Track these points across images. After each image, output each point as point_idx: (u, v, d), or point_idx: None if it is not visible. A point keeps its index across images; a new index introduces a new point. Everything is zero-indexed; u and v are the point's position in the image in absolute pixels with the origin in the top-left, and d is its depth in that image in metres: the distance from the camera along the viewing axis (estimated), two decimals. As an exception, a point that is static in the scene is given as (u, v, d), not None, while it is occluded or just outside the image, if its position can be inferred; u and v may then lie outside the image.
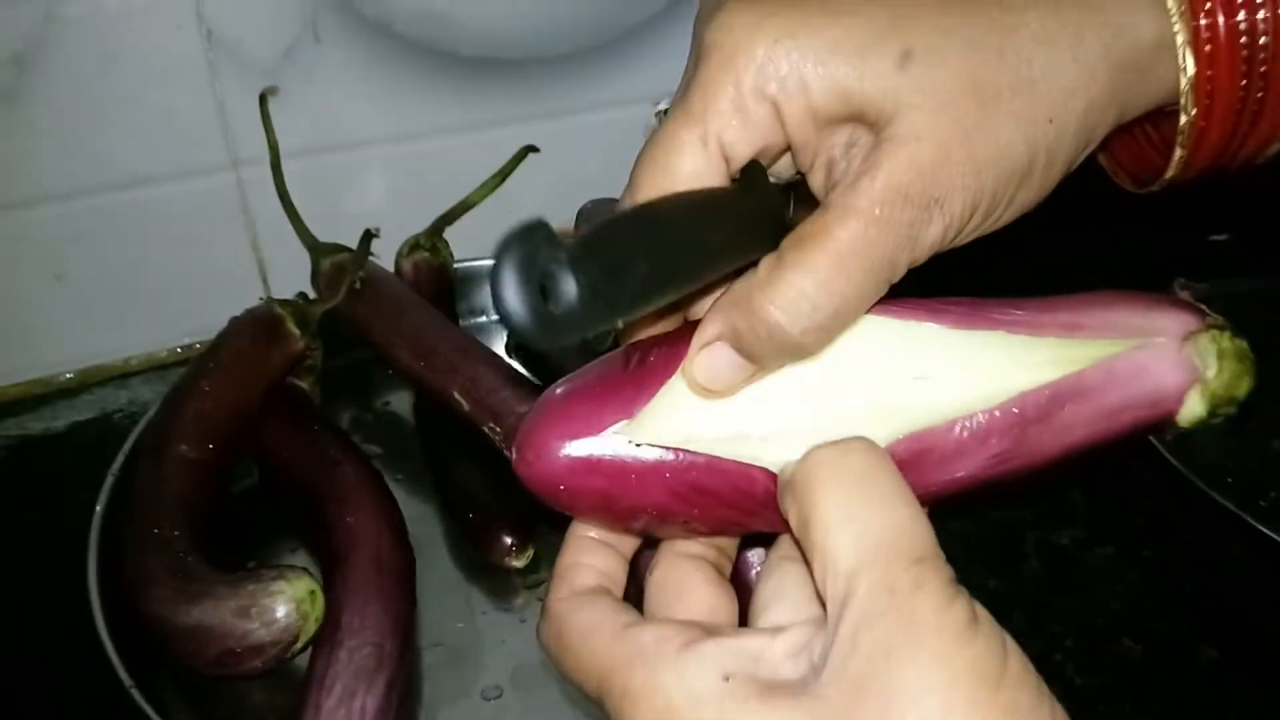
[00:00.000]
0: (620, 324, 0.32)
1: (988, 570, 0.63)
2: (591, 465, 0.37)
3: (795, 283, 0.35)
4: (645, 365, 0.38)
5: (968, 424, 0.37)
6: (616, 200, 0.82)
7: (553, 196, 0.82)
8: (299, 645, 0.53)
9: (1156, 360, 0.37)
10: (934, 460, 0.37)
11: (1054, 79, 0.37)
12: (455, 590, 0.63)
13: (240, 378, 0.65)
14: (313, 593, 0.54)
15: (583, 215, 0.78)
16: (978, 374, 0.37)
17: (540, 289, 0.27)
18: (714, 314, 0.37)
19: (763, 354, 0.36)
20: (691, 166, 0.37)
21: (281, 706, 0.55)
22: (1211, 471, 0.64)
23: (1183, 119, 0.40)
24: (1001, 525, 0.66)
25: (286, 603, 0.53)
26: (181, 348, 0.80)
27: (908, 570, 0.31)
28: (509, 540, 0.62)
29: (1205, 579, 0.63)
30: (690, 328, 0.38)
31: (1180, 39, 0.38)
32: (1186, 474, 0.63)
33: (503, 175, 0.79)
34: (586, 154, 0.83)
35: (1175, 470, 0.63)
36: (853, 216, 0.35)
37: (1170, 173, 0.43)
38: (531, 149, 0.80)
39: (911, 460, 0.37)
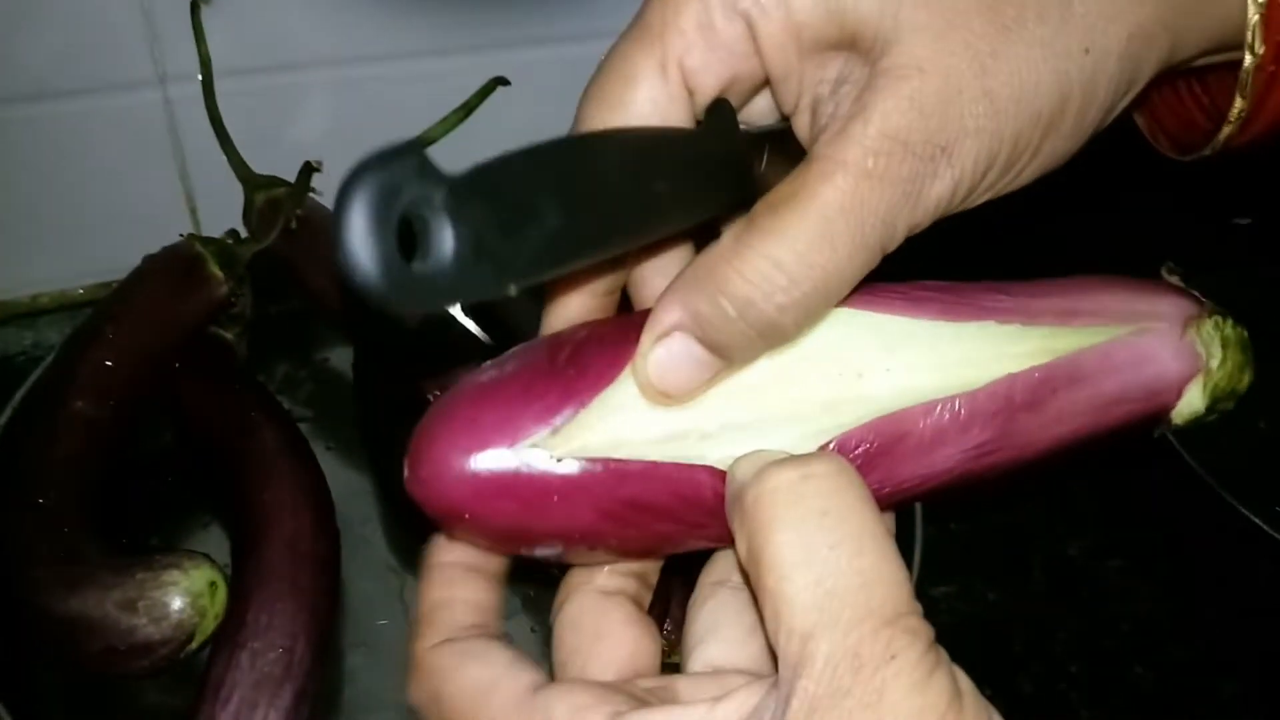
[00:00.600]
0: (513, 292, 0.24)
1: (987, 582, 0.57)
2: (502, 485, 0.31)
3: (769, 252, 0.28)
4: (579, 363, 0.31)
5: (948, 407, 0.32)
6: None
7: (524, 136, 0.74)
8: (194, 645, 0.46)
9: (1157, 347, 0.34)
10: (909, 449, 0.32)
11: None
12: (386, 580, 0.56)
13: (151, 325, 0.58)
14: (213, 585, 0.46)
15: (553, 159, 0.71)
16: (960, 361, 0.33)
17: (400, 237, 0.20)
18: (669, 297, 0.30)
19: (730, 343, 0.29)
20: (647, 98, 0.31)
21: (178, 709, 0.48)
22: (1238, 481, 0.58)
23: (1247, 59, 0.33)
24: (1004, 531, 0.60)
25: (180, 596, 0.46)
26: (99, 286, 0.72)
27: (877, 634, 0.25)
28: (449, 525, 0.55)
29: (1228, 600, 0.58)
30: (639, 317, 0.31)
31: None
32: (1211, 483, 0.57)
33: (467, 109, 0.71)
34: (565, 90, 0.74)
35: (1199, 478, 0.57)
36: (840, 171, 0.28)
37: (1226, 131, 0.36)
38: (502, 81, 0.72)
39: (884, 448, 0.32)
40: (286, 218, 0.62)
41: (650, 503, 0.31)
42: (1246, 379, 0.35)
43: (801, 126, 0.33)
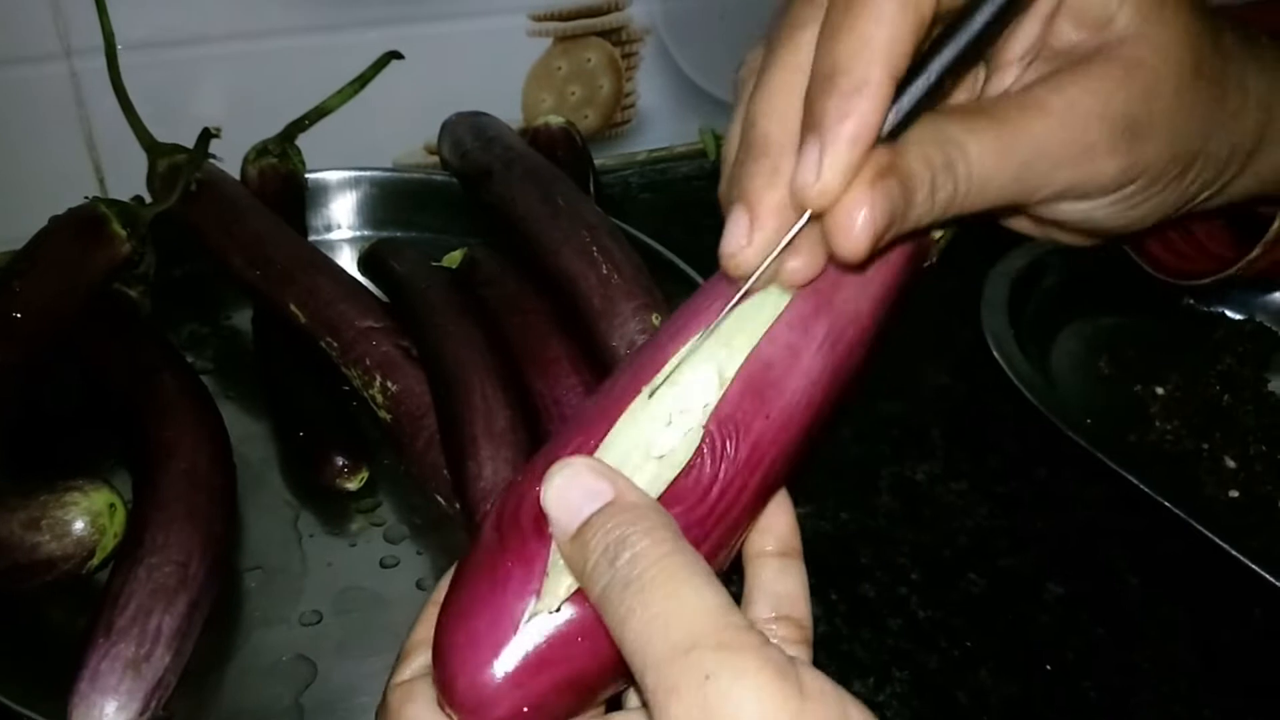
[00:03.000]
0: None
1: (840, 504, 0.62)
2: (534, 663, 0.31)
3: (965, 140, 0.33)
4: (518, 530, 0.33)
5: (781, 324, 0.36)
6: (482, 114, 0.79)
7: (416, 107, 0.78)
8: (95, 561, 0.50)
9: None
10: (781, 373, 0.35)
11: (1238, 94, 0.37)
12: (282, 513, 0.59)
13: (57, 280, 0.61)
14: (112, 506, 0.50)
15: (447, 129, 0.75)
16: (760, 301, 0.36)
17: None
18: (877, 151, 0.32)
19: (922, 199, 0.33)
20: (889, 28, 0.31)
21: (79, 629, 0.51)
22: (1071, 413, 0.63)
23: None
24: (858, 460, 0.65)
25: (81, 515, 0.49)
26: (9, 253, 0.75)
27: (686, 661, 0.27)
28: (340, 461, 0.59)
29: (1057, 517, 0.62)
30: (539, 461, 0.34)
31: None
32: (1046, 414, 0.62)
33: (362, 81, 0.75)
34: (455, 64, 0.79)
35: (1036, 411, 0.62)
36: (1041, 112, 0.34)
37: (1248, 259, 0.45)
38: (395, 55, 0.76)
39: (762, 385, 0.35)
40: (186, 180, 0.65)
41: None
42: None
43: (1004, 78, 0.38)
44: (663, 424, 0.34)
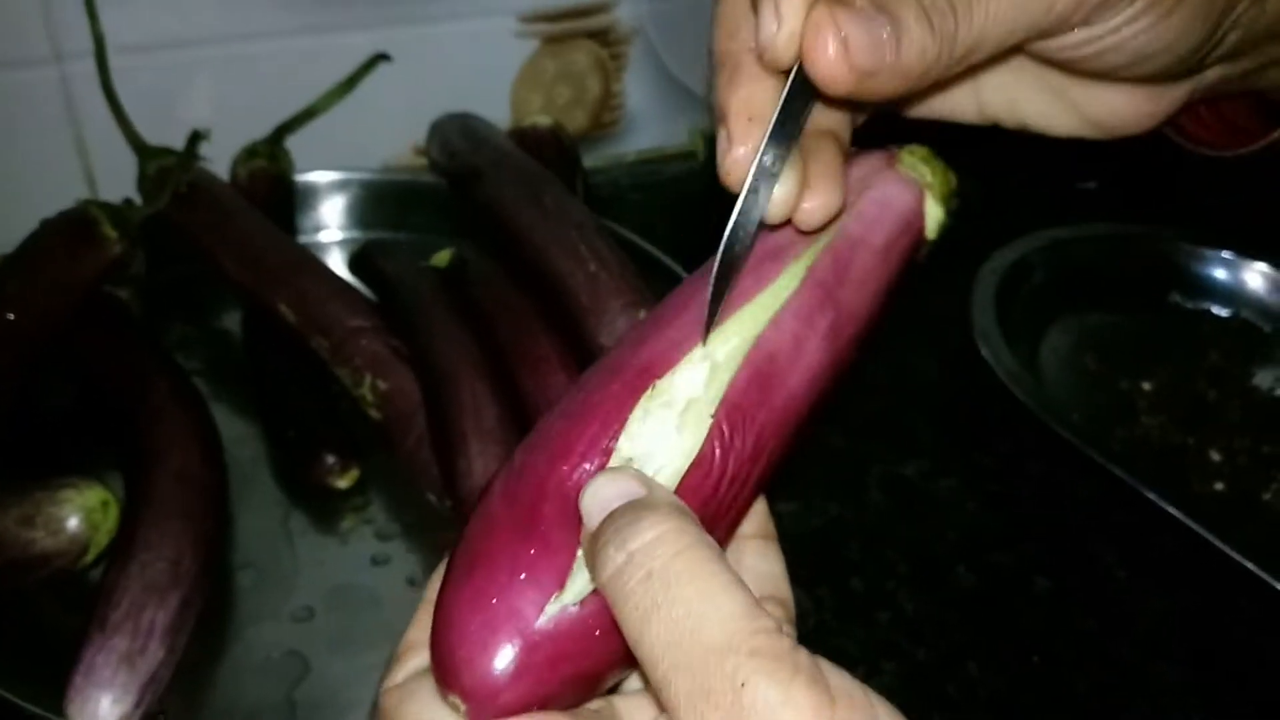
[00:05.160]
0: None
1: (829, 499, 0.62)
2: (551, 656, 0.31)
3: None
4: (539, 519, 0.32)
5: (786, 313, 0.36)
6: (471, 115, 0.80)
7: (405, 109, 0.79)
8: (89, 557, 0.50)
9: (888, 189, 0.39)
10: (785, 364, 0.35)
11: None
12: (274, 512, 0.59)
13: (49, 282, 0.61)
14: (105, 503, 0.50)
15: (435, 130, 0.75)
16: (772, 288, 0.36)
17: None
18: None
19: (915, 24, 0.32)
20: None
21: (75, 626, 0.52)
22: (1059, 409, 0.63)
23: None
24: (848, 456, 0.65)
25: (75, 511, 0.49)
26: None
27: (721, 666, 0.26)
28: (331, 459, 0.59)
29: (1045, 512, 0.63)
30: (548, 453, 0.34)
31: None
32: (1034, 410, 0.62)
33: (351, 83, 0.75)
34: (443, 66, 0.80)
35: (1024, 407, 0.63)
36: None
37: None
38: (383, 57, 0.76)
39: (768, 375, 0.35)
40: (176, 183, 0.66)
41: None
42: (952, 177, 0.41)
43: None
44: (676, 413, 0.34)
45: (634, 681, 0.36)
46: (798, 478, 0.63)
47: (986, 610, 0.57)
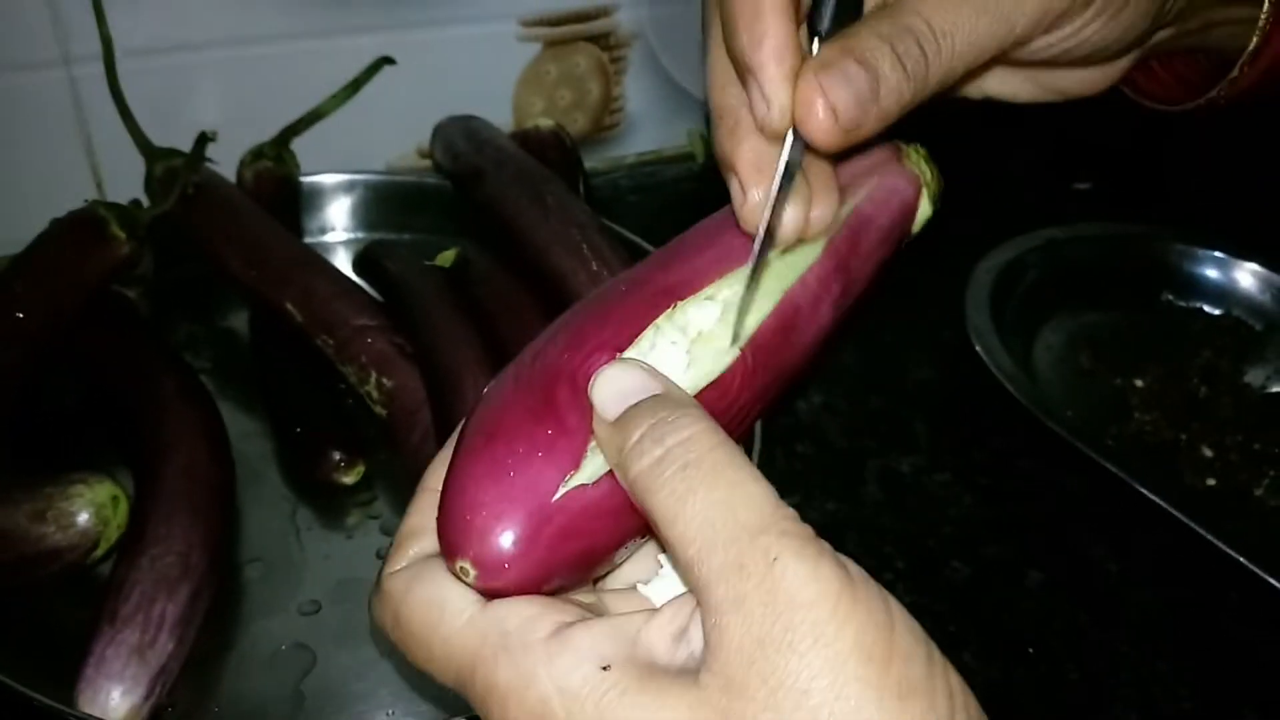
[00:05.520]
0: None
1: (827, 494, 0.63)
2: (561, 533, 0.32)
3: (930, 19, 0.35)
4: (553, 401, 0.34)
5: (811, 274, 0.39)
6: (474, 118, 0.81)
7: (409, 111, 0.80)
8: (99, 552, 0.51)
9: (894, 180, 0.43)
10: (805, 318, 0.39)
11: None
12: (281, 507, 0.60)
13: (59, 281, 0.62)
14: (115, 498, 0.51)
15: (439, 132, 0.76)
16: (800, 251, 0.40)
17: None
18: (829, 47, 0.35)
19: (890, 70, 0.35)
20: None
21: (84, 620, 0.52)
22: (1053, 406, 0.64)
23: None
24: (846, 452, 0.66)
25: (85, 506, 0.50)
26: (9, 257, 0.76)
27: (754, 544, 0.28)
28: (337, 455, 0.60)
29: (1038, 507, 0.64)
30: (563, 342, 0.36)
31: None
32: (1029, 407, 0.63)
33: (355, 86, 0.76)
34: (446, 69, 0.81)
35: (1018, 404, 0.64)
36: None
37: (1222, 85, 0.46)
38: (388, 60, 0.77)
39: (791, 324, 0.38)
40: (184, 184, 0.67)
41: None
42: (942, 181, 0.44)
43: None
44: (687, 339, 0.36)
45: (615, 580, 0.37)
46: (797, 472, 0.64)
47: (981, 602, 0.58)
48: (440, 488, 0.34)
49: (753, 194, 0.37)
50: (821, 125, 0.34)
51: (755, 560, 0.28)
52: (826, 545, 0.29)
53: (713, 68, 0.38)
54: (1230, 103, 0.46)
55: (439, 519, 0.33)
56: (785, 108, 0.35)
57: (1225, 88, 0.46)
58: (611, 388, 0.33)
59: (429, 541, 0.34)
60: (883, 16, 0.35)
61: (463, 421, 0.36)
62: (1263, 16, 0.43)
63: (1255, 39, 0.43)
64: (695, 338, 0.36)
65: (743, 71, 0.36)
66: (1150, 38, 0.43)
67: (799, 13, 0.36)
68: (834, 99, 0.34)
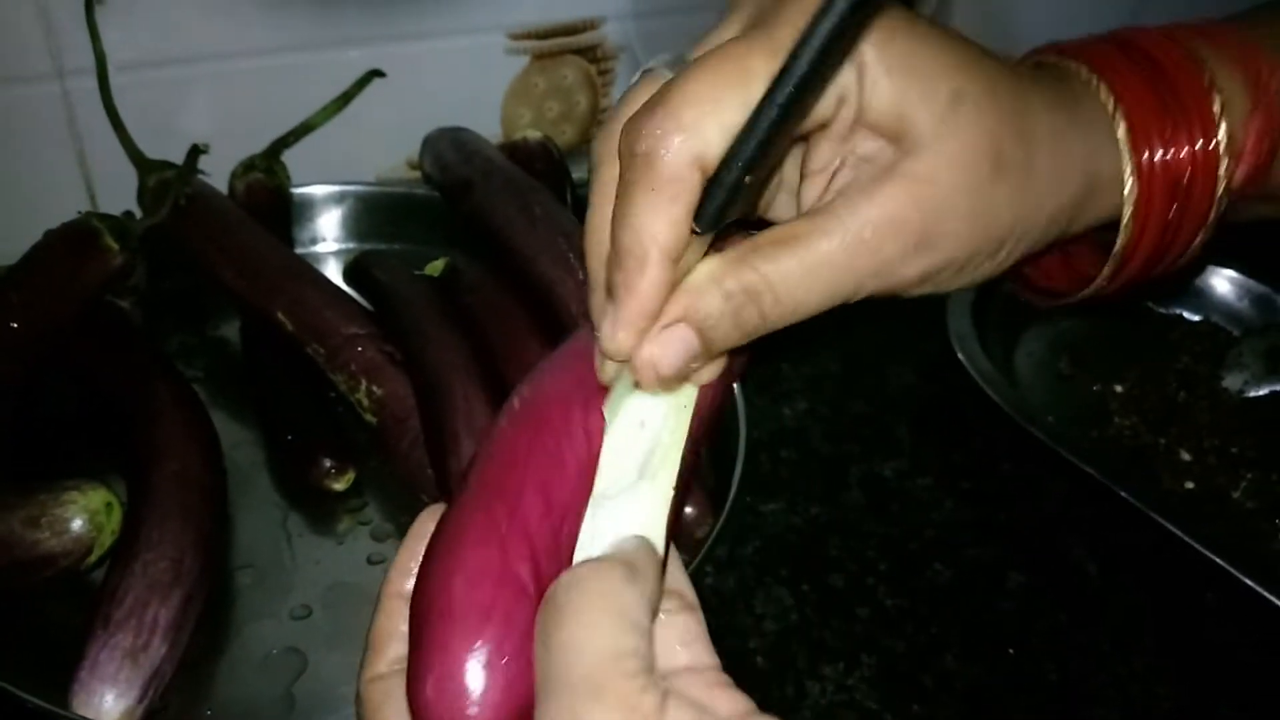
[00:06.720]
0: None
1: (811, 499, 0.64)
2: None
3: (767, 274, 0.36)
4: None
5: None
6: (462, 129, 0.82)
7: (398, 123, 0.81)
8: (93, 558, 0.52)
9: None
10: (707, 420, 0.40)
11: (1049, 173, 0.39)
12: (272, 514, 0.61)
13: (51, 292, 0.62)
14: (109, 505, 0.52)
15: (428, 144, 0.77)
16: None
17: None
18: (677, 296, 0.36)
19: (717, 337, 0.36)
20: (750, 100, 0.34)
21: (79, 624, 0.53)
22: (1034, 411, 0.65)
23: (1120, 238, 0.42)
24: (829, 457, 0.67)
25: (79, 512, 0.51)
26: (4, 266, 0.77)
27: (574, 698, 0.30)
28: (328, 462, 0.61)
29: (1019, 510, 0.65)
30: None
31: (1127, 169, 0.41)
32: (1009, 412, 0.64)
33: (346, 99, 0.77)
34: (435, 81, 0.82)
35: (999, 409, 0.64)
36: (840, 232, 0.36)
37: (1095, 285, 0.46)
38: (377, 73, 0.78)
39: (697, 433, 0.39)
40: (176, 195, 0.67)
41: None
42: None
43: (812, 188, 0.40)
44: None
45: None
46: (781, 478, 0.65)
47: (962, 604, 0.59)
48: (397, 593, 0.36)
49: (610, 350, 0.37)
50: (648, 380, 0.36)
51: (574, 712, 0.29)
52: (655, 691, 0.30)
53: (591, 227, 0.39)
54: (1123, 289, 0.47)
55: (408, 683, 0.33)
56: (625, 352, 0.36)
57: (1099, 286, 0.46)
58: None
59: (402, 646, 0.35)
60: (734, 274, 0.36)
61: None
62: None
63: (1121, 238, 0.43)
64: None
65: (611, 283, 0.36)
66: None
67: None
68: (668, 362, 0.36)
